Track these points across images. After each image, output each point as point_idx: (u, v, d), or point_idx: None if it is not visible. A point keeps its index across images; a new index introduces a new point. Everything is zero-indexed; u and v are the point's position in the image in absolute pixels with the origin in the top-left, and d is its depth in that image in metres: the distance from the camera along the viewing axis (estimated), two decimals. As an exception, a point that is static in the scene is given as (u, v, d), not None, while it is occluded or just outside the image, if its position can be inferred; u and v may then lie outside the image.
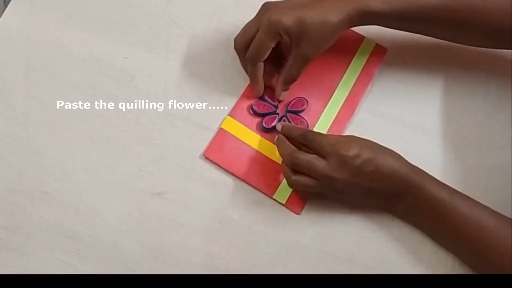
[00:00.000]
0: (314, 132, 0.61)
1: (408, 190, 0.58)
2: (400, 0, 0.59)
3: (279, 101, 0.66)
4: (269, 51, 0.60)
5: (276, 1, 0.61)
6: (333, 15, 0.58)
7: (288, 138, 0.62)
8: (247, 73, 0.64)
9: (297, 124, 0.65)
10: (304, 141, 0.60)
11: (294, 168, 0.59)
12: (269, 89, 0.66)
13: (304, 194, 0.63)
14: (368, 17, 0.59)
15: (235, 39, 0.62)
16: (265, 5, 0.61)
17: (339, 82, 0.67)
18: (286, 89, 0.65)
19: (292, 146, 0.60)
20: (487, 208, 0.58)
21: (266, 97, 0.66)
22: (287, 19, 0.57)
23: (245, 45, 0.61)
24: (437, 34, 0.63)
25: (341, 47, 0.68)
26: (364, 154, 0.57)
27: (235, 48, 0.62)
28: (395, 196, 0.59)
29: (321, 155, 0.58)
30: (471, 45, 0.65)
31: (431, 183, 0.58)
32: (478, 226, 0.57)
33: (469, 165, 0.65)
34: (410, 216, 0.61)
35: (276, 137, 0.63)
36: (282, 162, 0.61)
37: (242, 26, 0.65)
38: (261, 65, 0.62)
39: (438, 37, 0.63)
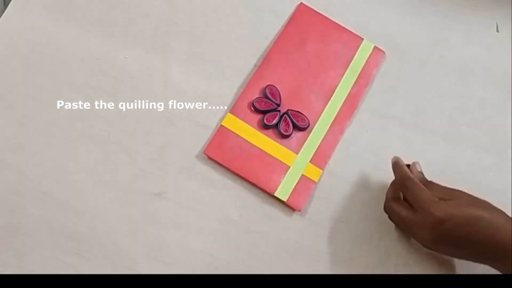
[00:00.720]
0: (413, 182, 0.58)
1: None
2: None
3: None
4: None
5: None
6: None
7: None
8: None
9: (298, 122, 0.65)
10: (401, 188, 0.59)
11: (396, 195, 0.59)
12: (271, 86, 0.66)
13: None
14: None
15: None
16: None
17: (340, 81, 0.67)
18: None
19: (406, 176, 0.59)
20: None
21: (268, 94, 0.66)
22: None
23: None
24: None
25: (341, 47, 0.68)
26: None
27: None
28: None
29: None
30: None
31: None
32: None
33: (469, 165, 0.65)
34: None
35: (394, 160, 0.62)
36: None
37: (242, 26, 0.65)
38: None
39: None
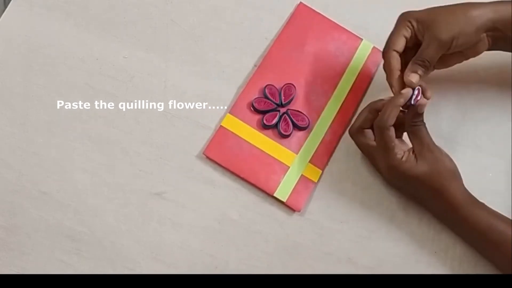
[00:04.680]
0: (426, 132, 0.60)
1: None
2: None
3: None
4: (402, 42, 0.60)
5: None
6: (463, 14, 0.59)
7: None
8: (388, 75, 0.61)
9: (298, 121, 0.65)
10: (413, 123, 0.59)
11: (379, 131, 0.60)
12: (271, 85, 0.66)
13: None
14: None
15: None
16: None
17: (339, 81, 0.67)
18: (418, 74, 0.60)
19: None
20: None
21: (267, 94, 0.66)
22: (417, 12, 0.60)
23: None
24: None
25: (340, 48, 0.68)
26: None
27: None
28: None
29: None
30: None
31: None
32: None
33: (469, 165, 0.65)
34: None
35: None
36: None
37: (242, 26, 0.65)
38: (395, 55, 0.60)
39: None
